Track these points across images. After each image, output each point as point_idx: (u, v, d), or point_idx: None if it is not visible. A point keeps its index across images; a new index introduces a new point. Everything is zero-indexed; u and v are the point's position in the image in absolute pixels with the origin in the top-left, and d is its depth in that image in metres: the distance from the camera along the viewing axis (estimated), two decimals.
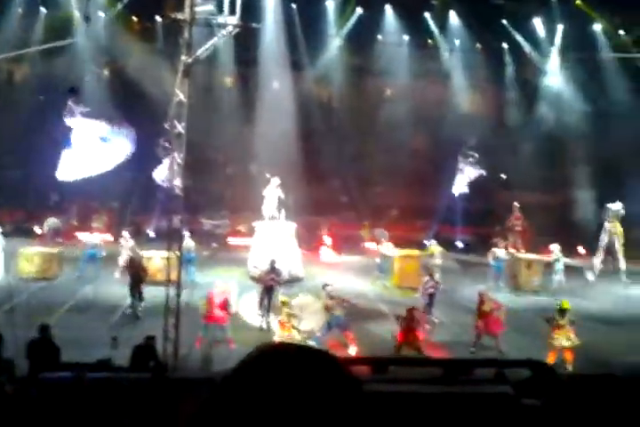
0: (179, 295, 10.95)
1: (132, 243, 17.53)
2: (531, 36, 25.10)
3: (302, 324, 11.86)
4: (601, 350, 11.96)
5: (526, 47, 25.56)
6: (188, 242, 17.51)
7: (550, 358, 11.29)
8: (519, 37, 25.16)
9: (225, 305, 12.19)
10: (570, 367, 11.27)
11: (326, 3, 24.56)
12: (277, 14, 23.24)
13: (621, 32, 23.91)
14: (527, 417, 2.53)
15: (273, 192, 18.63)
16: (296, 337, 11.12)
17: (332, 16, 24.73)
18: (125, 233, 18.12)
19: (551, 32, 24.74)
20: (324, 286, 12.92)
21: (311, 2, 24.32)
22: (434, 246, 18.50)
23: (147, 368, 9.02)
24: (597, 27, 23.50)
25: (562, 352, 11.47)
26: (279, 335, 11.30)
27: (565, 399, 4.41)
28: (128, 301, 14.41)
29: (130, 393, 4.96)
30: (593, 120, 24.15)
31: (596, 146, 23.54)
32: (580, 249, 21.54)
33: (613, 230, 19.57)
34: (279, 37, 23.36)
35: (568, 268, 18.85)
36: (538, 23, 24.72)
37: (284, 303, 11.65)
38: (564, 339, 11.40)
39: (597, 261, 19.83)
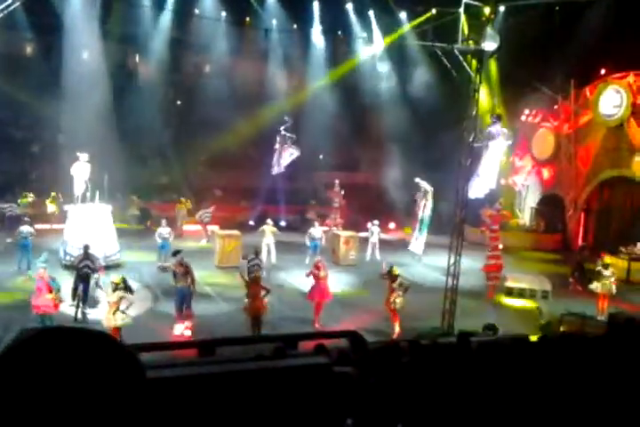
0: None
1: None
2: (344, 20, 26.04)
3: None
4: (408, 315, 12.94)
5: (338, 30, 26.52)
6: (26, 227, 16.03)
7: (394, 320, 12.33)
8: (329, 20, 26.04)
9: (50, 290, 11.28)
10: (397, 328, 12.30)
11: None
12: None
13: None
14: (338, 384, 2.68)
15: (82, 170, 17.27)
16: (122, 320, 10.61)
17: None
18: None
19: (363, 17, 25.87)
20: (175, 252, 12.69)
21: None
22: (268, 226, 18.79)
23: None
24: (403, 15, 25.07)
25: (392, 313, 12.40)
26: (106, 317, 10.71)
27: (372, 365, 4.76)
28: None
29: None
30: (400, 100, 25.86)
31: (391, 127, 25.32)
32: (391, 225, 23.15)
33: (423, 205, 21.16)
34: (88, 4, 21.58)
35: (381, 242, 20.28)
36: (350, 7, 25.72)
37: (117, 284, 10.92)
38: (397, 301, 12.36)
39: (415, 234, 21.31)
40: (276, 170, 21.60)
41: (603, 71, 23.40)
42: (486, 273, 16.43)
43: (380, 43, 24.92)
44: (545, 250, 23.47)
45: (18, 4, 10.25)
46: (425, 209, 20.63)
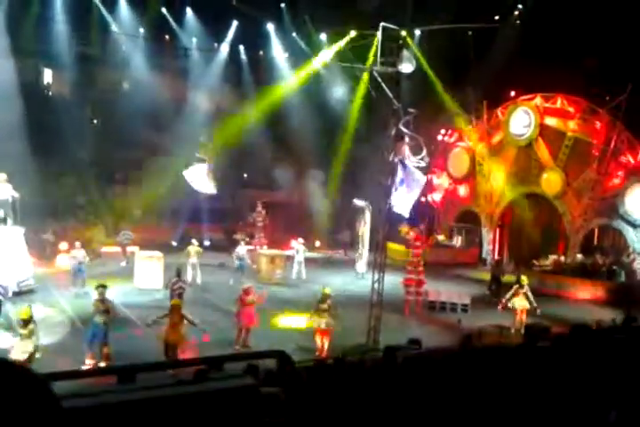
0: None
1: None
2: (265, 39, 26.23)
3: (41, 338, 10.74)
4: (335, 333, 12.91)
5: (259, 50, 26.71)
6: None
7: (316, 339, 12.17)
8: (250, 40, 26.18)
9: None
10: (326, 347, 12.13)
11: None
12: None
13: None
14: (265, 405, 2.64)
15: (2, 192, 16.37)
16: (30, 354, 10.01)
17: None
18: None
19: (284, 38, 26.15)
20: (99, 286, 11.67)
21: None
22: (193, 247, 18.47)
23: None
24: (323, 36, 25.59)
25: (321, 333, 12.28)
26: (18, 350, 10.03)
27: (299, 385, 4.73)
28: None
29: None
30: (320, 118, 26.13)
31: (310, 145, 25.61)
32: (317, 243, 23.26)
33: (363, 223, 21.39)
34: None
35: (307, 260, 20.34)
36: (271, 28, 25.97)
37: (24, 318, 10.25)
38: (323, 322, 12.26)
39: (361, 253, 21.36)
40: (203, 189, 21.41)
41: (513, 93, 24.68)
42: (405, 287, 16.64)
43: (301, 62, 25.31)
44: (462, 265, 24.24)
45: None
46: (364, 226, 21.04)
